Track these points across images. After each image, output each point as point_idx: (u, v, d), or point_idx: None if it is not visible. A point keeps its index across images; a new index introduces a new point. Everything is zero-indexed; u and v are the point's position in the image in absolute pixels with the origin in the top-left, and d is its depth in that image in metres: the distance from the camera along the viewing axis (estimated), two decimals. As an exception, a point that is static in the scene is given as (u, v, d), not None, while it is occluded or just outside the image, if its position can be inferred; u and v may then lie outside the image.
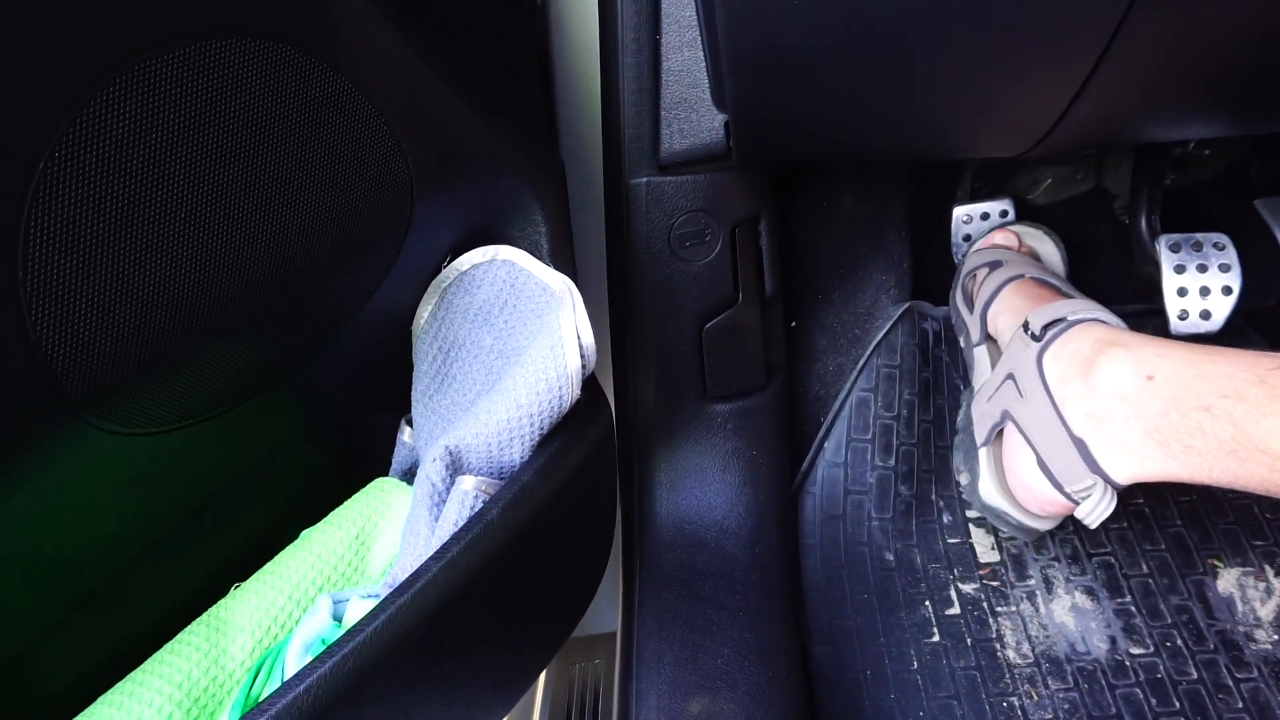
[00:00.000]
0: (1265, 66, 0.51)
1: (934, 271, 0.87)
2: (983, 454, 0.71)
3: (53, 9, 0.29)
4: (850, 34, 0.47)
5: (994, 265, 0.80)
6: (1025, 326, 0.69)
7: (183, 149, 0.35)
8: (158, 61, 0.33)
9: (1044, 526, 0.68)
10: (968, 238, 0.89)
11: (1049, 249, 0.85)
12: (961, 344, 0.83)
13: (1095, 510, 0.61)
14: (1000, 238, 0.85)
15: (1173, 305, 0.75)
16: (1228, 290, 0.74)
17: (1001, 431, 0.69)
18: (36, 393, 0.34)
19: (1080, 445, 0.61)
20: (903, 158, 0.80)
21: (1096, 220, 0.90)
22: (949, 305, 0.85)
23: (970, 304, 0.81)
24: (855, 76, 0.50)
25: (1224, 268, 0.74)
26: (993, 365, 0.76)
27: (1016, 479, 0.67)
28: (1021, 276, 0.76)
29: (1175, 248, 0.76)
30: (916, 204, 0.85)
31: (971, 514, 0.76)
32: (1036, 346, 0.66)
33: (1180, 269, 0.75)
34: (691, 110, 0.59)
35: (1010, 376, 0.68)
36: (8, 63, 0.29)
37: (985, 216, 0.88)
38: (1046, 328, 0.66)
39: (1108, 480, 0.60)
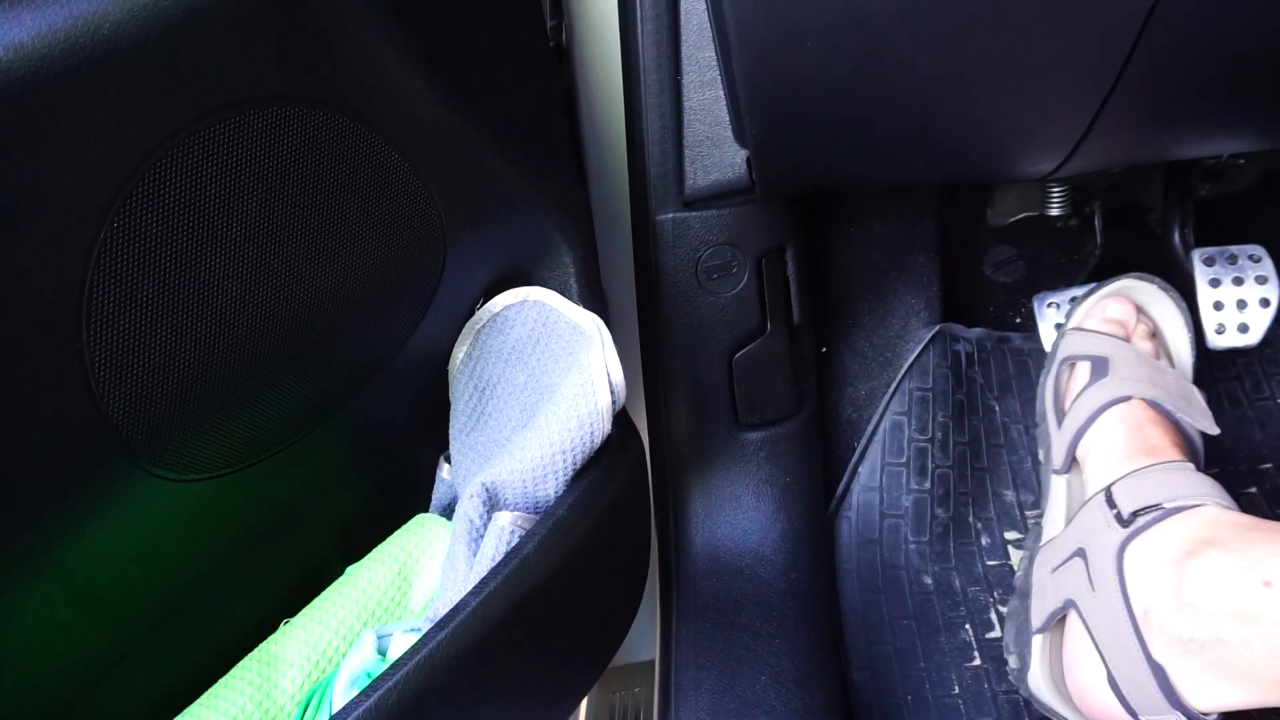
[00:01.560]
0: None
1: (964, 293, 0.87)
2: (1037, 642, 0.59)
3: (108, 88, 0.32)
4: (865, 67, 0.49)
5: (1098, 366, 0.65)
6: (1109, 499, 0.56)
7: (229, 212, 0.37)
8: (208, 132, 0.36)
9: None
10: (1059, 326, 0.77)
11: (1174, 321, 0.71)
12: (1040, 457, 0.72)
13: None
14: (1116, 309, 0.70)
15: (1209, 319, 0.74)
16: (1265, 302, 0.73)
17: (1064, 618, 0.58)
18: (98, 444, 0.37)
19: (1159, 673, 0.49)
20: (926, 183, 0.80)
21: (1130, 234, 0.90)
22: (1037, 396, 0.74)
23: (1060, 410, 0.68)
24: (873, 109, 0.52)
25: (1261, 279, 0.74)
26: (1069, 505, 0.64)
27: (1078, 688, 0.56)
28: (1129, 399, 0.62)
29: (1210, 261, 0.75)
30: (944, 225, 0.85)
31: (1010, 535, 0.76)
32: (1120, 534, 0.54)
33: (1215, 282, 0.74)
34: (714, 147, 0.61)
35: (1081, 554, 0.57)
36: (67, 141, 0.32)
37: (1075, 301, 0.77)
38: (1137, 514, 0.54)
39: (1193, 718, 0.49)
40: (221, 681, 0.46)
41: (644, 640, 0.82)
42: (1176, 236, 0.80)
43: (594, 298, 0.55)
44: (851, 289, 0.83)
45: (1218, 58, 0.49)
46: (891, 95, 0.51)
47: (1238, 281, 0.74)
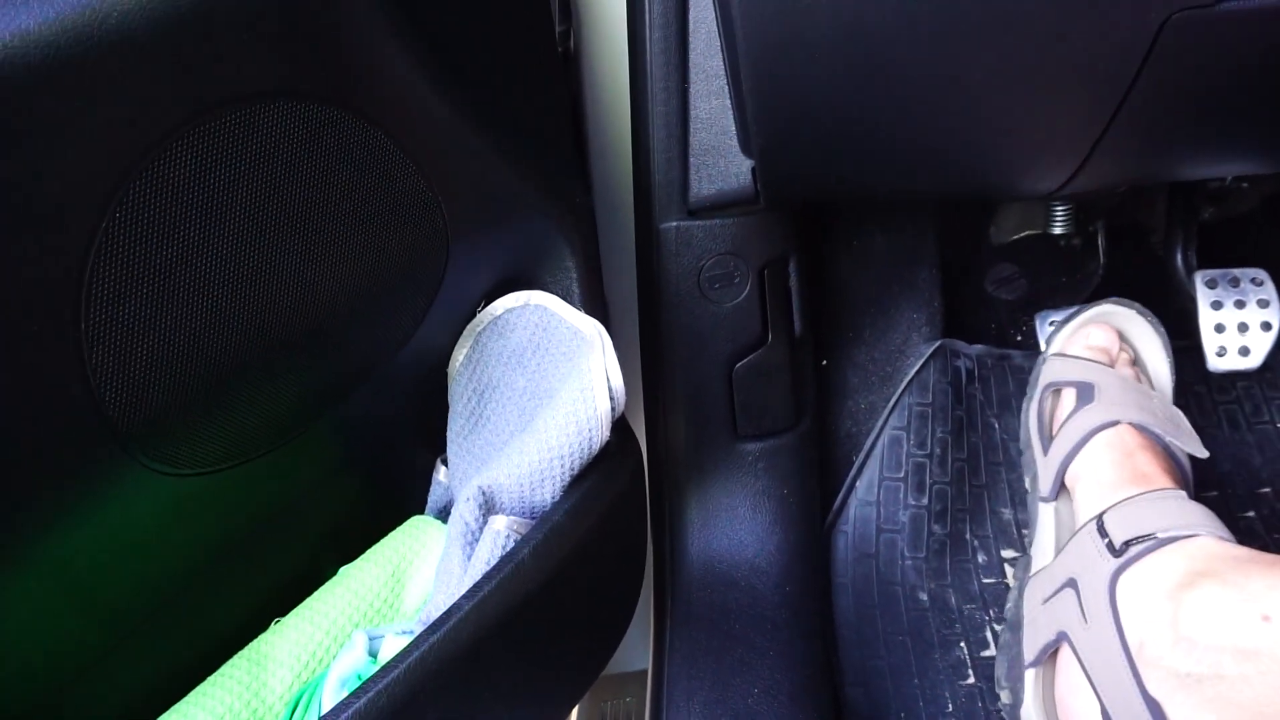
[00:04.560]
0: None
1: (966, 310, 0.87)
2: (1029, 677, 0.58)
3: (114, 78, 0.32)
4: (872, 79, 0.49)
5: (1084, 392, 0.65)
6: (1101, 528, 0.55)
7: (231, 206, 0.37)
8: (213, 125, 0.36)
9: None
10: None
11: (1154, 347, 0.71)
12: (1026, 485, 0.71)
13: None
14: (1099, 336, 0.69)
15: (1210, 342, 0.74)
16: (1267, 326, 0.73)
17: (1057, 651, 0.57)
18: (93, 434, 0.36)
19: (1155, 710, 0.48)
20: (930, 199, 0.80)
21: (1133, 255, 0.90)
22: (1020, 423, 0.74)
23: (1045, 437, 0.68)
24: (880, 120, 0.52)
25: (1263, 303, 0.73)
26: (1059, 533, 0.64)
27: None
28: (1117, 424, 0.61)
29: (1212, 284, 0.75)
30: (947, 240, 0.85)
31: (1007, 553, 0.75)
32: (1112, 564, 0.53)
33: (1217, 305, 0.74)
34: (719, 156, 0.61)
35: (1073, 584, 0.56)
36: (71, 130, 0.32)
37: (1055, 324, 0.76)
38: (1129, 543, 0.53)
39: None
40: (210, 679, 0.46)
41: (636, 649, 0.81)
42: (1179, 258, 0.81)
43: (596, 303, 0.55)
44: (853, 302, 0.83)
45: (1225, 81, 0.49)
46: (898, 107, 0.51)
47: (1239, 304, 0.74)
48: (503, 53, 0.53)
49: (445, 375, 0.57)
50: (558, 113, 0.60)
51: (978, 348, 0.84)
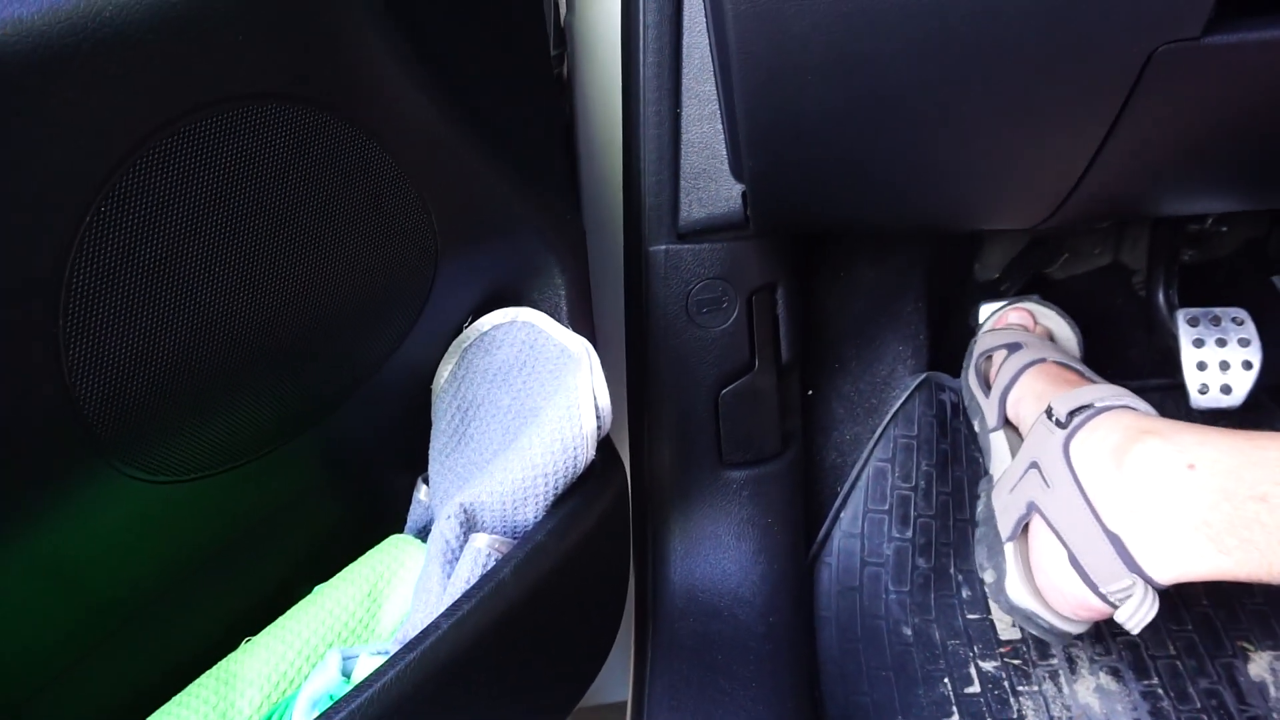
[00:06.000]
0: (1274, 144, 0.52)
1: (951, 342, 0.87)
2: (1009, 550, 0.66)
3: (105, 72, 0.31)
4: (864, 106, 0.49)
5: (1012, 347, 0.77)
6: (1049, 413, 0.65)
7: (217, 207, 0.37)
8: (198, 125, 0.35)
9: (1077, 630, 0.64)
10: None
11: (1064, 330, 0.83)
12: (976, 428, 0.80)
13: (1137, 614, 0.56)
14: (1015, 317, 0.84)
15: (1192, 379, 0.74)
16: (1248, 365, 0.74)
17: (1028, 525, 0.65)
18: (67, 436, 0.35)
19: (1116, 541, 0.56)
20: (918, 229, 0.81)
21: (1114, 295, 0.91)
22: (961, 385, 0.83)
23: (986, 387, 0.79)
24: (870, 148, 0.52)
25: (1243, 342, 0.74)
26: (1012, 452, 0.72)
27: (1045, 579, 0.63)
28: (1043, 360, 0.73)
29: (1193, 322, 0.76)
30: (934, 275, 0.86)
31: (992, 589, 0.75)
32: (1062, 434, 0.62)
33: (1199, 343, 0.75)
34: (710, 180, 0.61)
35: (1034, 465, 0.65)
36: (60, 122, 0.31)
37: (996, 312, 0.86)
38: (1072, 414, 0.63)
39: (1148, 580, 0.56)
40: (175, 699, 0.44)
41: (615, 680, 0.79)
42: (1161, 296, 0.81)
43: (584, 322, 0.54)
44: (840, 333, 0.83)
45: (1211, 116, 0.50)
46: (889, 136, 0.51)
47: (1221, 343, 0.75)
48: (499, 71, 0.54)
49: (429, 392, 0.56)
50: (551, 133, 0.60)
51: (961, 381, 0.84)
